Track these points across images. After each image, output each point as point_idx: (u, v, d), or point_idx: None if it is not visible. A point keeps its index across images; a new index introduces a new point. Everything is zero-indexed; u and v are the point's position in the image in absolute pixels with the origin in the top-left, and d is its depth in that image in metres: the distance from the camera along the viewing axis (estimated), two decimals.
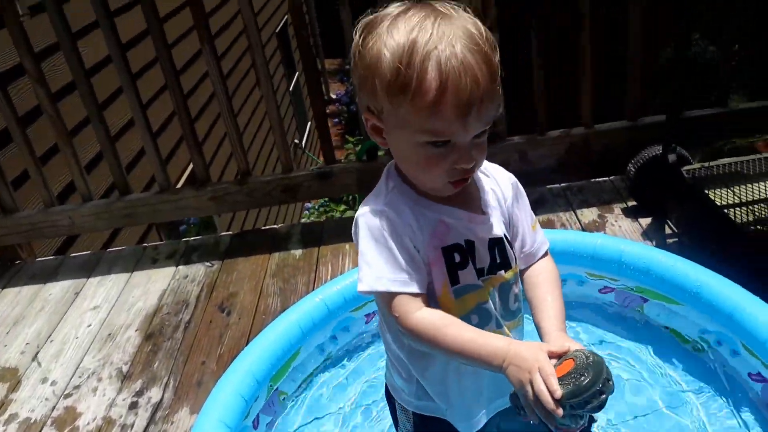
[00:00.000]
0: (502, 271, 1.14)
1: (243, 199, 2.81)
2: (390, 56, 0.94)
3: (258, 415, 1.67)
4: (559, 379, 0.94)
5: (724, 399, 1.60)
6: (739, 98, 3.93)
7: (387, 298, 1.04)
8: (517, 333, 1.19)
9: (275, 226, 2.95)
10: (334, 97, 11.93)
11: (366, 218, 1.05)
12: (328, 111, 11.98)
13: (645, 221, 2.52)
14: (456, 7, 1.00)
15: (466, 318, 1.09)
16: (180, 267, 2.77)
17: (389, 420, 1.35)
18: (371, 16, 1.00)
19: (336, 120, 11.35)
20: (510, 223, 1.20)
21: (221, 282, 2.62)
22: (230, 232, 2.99)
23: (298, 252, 2.71)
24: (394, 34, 0.95)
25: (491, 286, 1.13)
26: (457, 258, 1.09)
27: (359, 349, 1.92)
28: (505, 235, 1.15)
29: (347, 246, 2.67)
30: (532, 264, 1.23)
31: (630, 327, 1.86)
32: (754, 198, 2.46)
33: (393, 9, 0.99)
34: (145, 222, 3.28)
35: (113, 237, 3.73)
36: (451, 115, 0.95)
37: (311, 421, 1.73)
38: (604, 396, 0.94)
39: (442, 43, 0.93)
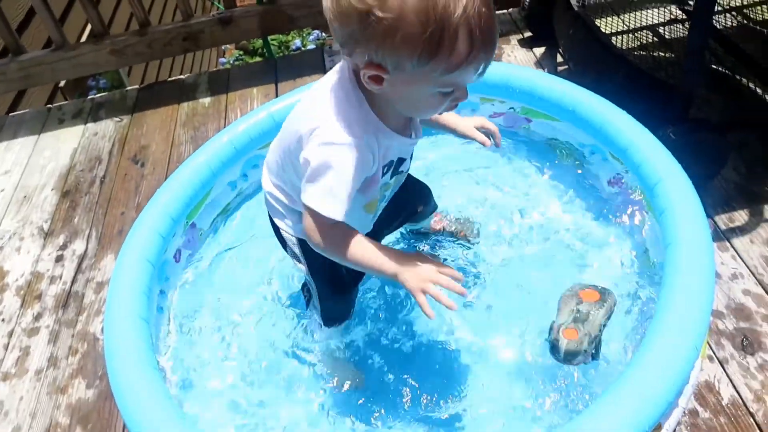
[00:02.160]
0: (406, 168, 1.36)
1: (144, 50, 2.75)
2: (416, 19, 0.96)
3: (179, 250, 1.80)
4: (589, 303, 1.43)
5: (582, 201, 1.85)
6: None
7: (326, 221, 1.13)
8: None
9: (182, 76, 2.93)
10: None
11: (341, 151, 1.10)
12: None
13: (539, 51, 2.64)
14: None
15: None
16: (89, 125, 2.76)
17: None
18: None
19: None
20: None
21: (132, 135, 2.64)
22: (136, 86, 2.95)
23: (206, 100, 2.74)
24: (406, 2, 0.95)
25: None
26: (387, 169, 1.25)
27: None
28: None
29: (254, 90, 2.71)
30: None
31: (518, 142, 2.04)
32: (640, 25, 2.60)
33: None
34: (44, 83, 3.17)
35: (16, 103, 3.59)
36: (474, 71, 1.04)
37: (226, 250, 1.88)
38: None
39: (464, 5, 0.96)
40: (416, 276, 1.13)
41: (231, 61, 7.24)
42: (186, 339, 1.67)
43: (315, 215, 1.14)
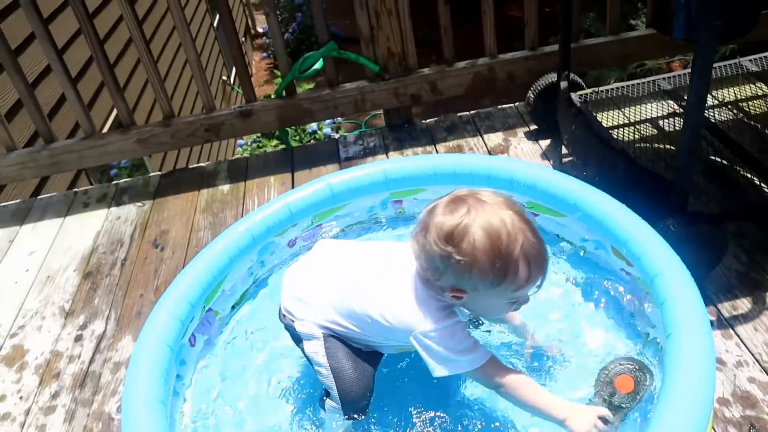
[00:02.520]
0: None
1: (168, 140, 2.91)
2: (486, 258, 1.29)
3: (194, 334, 1.85)
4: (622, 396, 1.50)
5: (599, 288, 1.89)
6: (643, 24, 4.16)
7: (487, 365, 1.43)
8: None
9: (202, 164, 3.06)
10: (261, 30, 11.70)
11: (433, 336, 1.41)
12: (255, 45, 11.77)
13: (544, 143, 2.76)
14: (481, 192, 1.38)
15: None
16: (112, 209, 2.88)
17: None
18: (450, 227, 1.32)
19: (265, 54, 11.16)
20: None
21: (153, 220, 2.75)
22: (159, 173, 3.09)
23: (225, 187, 2.86)
24: (478, 244, 1.29)
25: None
26: None
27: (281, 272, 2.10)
28: None
29: (272, 179, 2.83)
30: None
31: None
32: (641, 118, 2.73)
33: (467, 219, 1.31)
34: (72, 169, 3.33)
35: (42, 185, 3.75)
36: (534, 286, 1.37)
37: (245, 335, 1.93)
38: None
39: (521, 242, 1.30)
40: (585, 422, 1.36)
41: (249, 143, 7.49)
42: (201, 423, 1.71)
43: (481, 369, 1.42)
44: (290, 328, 1.63)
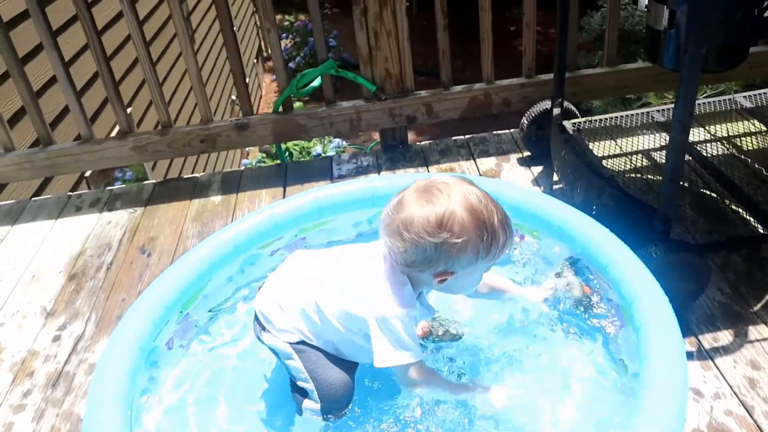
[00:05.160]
0: None
1: (163, 148, 2.93)
2: (477, 234, 1.37)
3: (172, 338, 1.84)
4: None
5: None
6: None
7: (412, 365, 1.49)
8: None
9: (196, 174, 3.08)
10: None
11: (395, 320, 1.45)
12: (267, 67, 11.91)
13: (536, 169, 2.77)
14: (438, 177, 1.45)
15: None
16: (104, 213, 2.88)
17: None
18: (438, 215, 1.36)
19: (274, 77, 11.30)
20: None
21: (143, 226, 2.75)
22: (154, 181, 3.11)
23: (217, 198, 2.87)
24: (467, 223, 1.36)
25: None
26: None
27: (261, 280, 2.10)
28: None
29: (263, 192, 2.84)
30: None
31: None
32: (633, 149, 2.73)
33: (447, 204, 1.37)
34: (68, 172, 3.35)
35: (42, 187, 3.78)
36: (507, 249, 1.47)
37: (221, 345, 1.92)
38: None
39: (496, 211, 1.40)
40: (499, 398, 1.56)
41: (254, 163, 7.54)
42: (170, 427, 1.69)
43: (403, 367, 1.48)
44: (259, 340, 1.65)
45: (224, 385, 1.81)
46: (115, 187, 3.12)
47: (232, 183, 2.95)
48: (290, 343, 1.57)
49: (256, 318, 1.65)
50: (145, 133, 2.99)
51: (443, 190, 1.39)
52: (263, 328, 1.62)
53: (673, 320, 1.51)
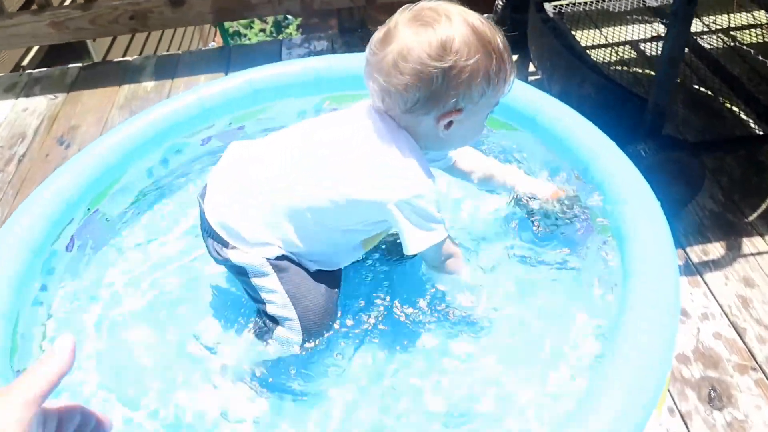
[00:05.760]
0: None
1: (86, 26, 2.54)
2: (485, 55, 1.13)
3: (72, 238, 1.56)
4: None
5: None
6: None
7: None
8: None
9: (128, 58, 2.71)
10: None
11: (420, 202, 1.19)
12: None
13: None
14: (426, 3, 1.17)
15: None
16: (20, 99, 2.53)
17: None
18: (440, 38, 1.11)
19: None
20: None
21: (64, 114, 2.42)
22: (79, 64, 2.73)
23: (149, 84, 2.52)
24: (474, 44, 1.12)
25: None
26: None
27: (192, 173, 1.80)
28: None
29: (202, 78, 2.50)
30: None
31: None
32: (620, 40, 2.44)
33: (448, 25, 1.13)
34: None
35: None
36: (511, 83, 1.21)
37: (134, 246, 1.64)
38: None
39: (497, 32, 1.16)
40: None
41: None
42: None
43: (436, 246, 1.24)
44: (223, 261, 1.29)
45: (143, 297, 1.54)
46: (35, 71, 2.74)
47: (168, 67, 2.59)
48: (269, 259, 1.24)
49: (212, 235, 1.27)
50: (65, 7, 2.58)
51: (439, 12, 1.14)
52: (225, 245, 1.25)
53: (667, 230, 1.28)
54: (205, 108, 1.74)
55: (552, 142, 1.58)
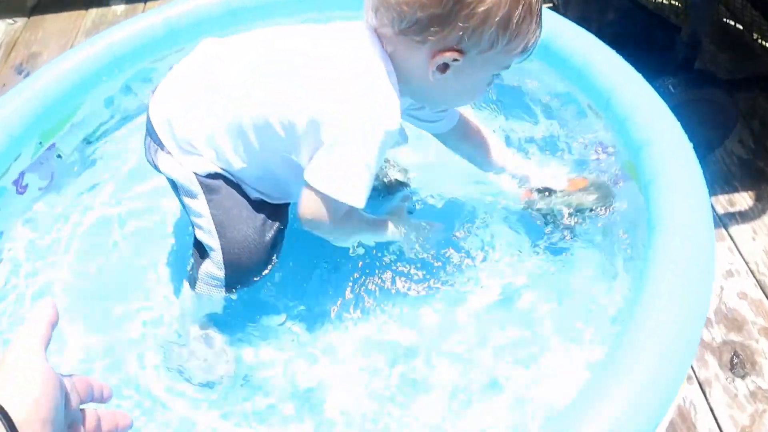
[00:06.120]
0: None
1: None
2: (512, 3, 0.95)
3: (22, 175, 1.38)
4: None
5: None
6: None
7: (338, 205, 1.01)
8: None
9: None
10: None
11: (377, 130, 0.98)
12: None
13: None
14: None
15: None
16: None
17: None
18: None
19: None
20: None
21: (23, 41, 2.24)
22: None
23: (120, 8, 2.35)
24: None
25: None
26: None
27: None
28: None
29: None
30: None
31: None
32: None
33: None
34: None
35: None
36: (530, 50, 1.03)
37: (96, 186, 1.47)
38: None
39: None
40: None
41: None
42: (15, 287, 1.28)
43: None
44: (155, 167, 1.13)
45: (101, 241, 1.38)
46: None
47: None
48: (199, 175, 1.08)
49: (150, 131, 1.11)
50: None
51: None
52: (161, 146, 1.10)
53: (700, 176, 1.11)
54: (172, 29, 1.53)
55: (568, 72, 1.38)
